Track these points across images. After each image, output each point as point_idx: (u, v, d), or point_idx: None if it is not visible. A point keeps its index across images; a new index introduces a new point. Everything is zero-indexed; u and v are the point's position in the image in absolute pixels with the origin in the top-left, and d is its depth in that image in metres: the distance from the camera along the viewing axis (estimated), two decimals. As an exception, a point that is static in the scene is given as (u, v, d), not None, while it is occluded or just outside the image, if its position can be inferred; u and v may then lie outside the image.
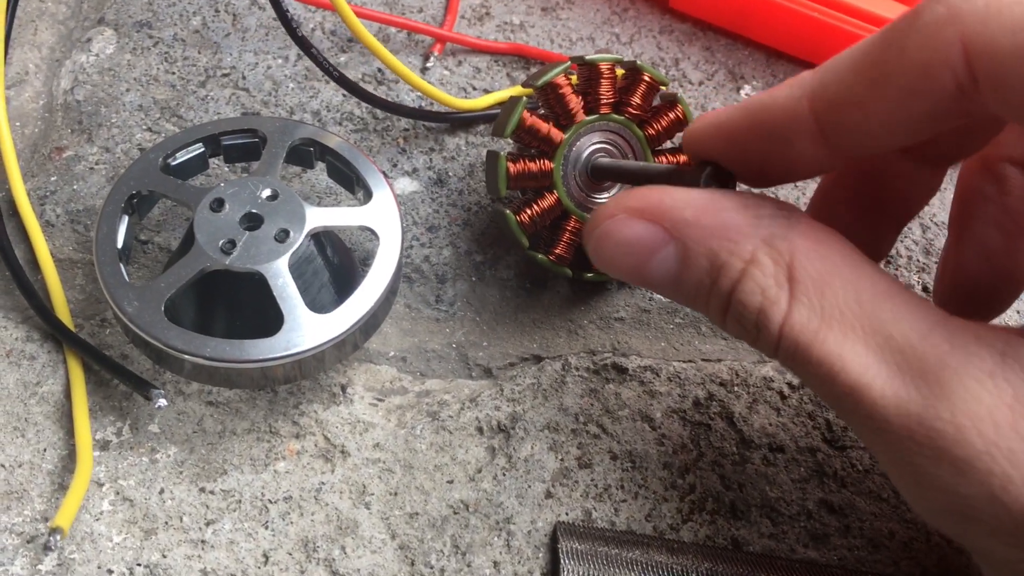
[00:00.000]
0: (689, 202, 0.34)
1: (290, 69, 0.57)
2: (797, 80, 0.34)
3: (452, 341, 0.50)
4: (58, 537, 0.38)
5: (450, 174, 0.54)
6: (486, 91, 0.59)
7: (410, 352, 0.49)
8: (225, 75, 0.57)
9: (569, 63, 0.47)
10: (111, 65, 0.56)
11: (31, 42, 0.56)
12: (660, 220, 0.34)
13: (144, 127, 0.53)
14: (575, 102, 0.47)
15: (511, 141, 0.47)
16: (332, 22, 0.60)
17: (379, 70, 0.58)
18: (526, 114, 0.46)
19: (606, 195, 0.48)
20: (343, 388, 0.46)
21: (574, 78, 0.48)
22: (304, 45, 0.49)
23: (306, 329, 0.41)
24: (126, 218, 0.44)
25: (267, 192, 0.44)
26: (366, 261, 0.51)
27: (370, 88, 0.57)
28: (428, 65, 0.59)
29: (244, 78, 0.57)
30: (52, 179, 0.51)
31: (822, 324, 0.32)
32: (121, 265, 0.42)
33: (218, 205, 0.44)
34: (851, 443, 0.47)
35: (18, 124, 0.53)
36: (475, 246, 0.52)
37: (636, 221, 0.35)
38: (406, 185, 0.54)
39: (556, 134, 0.46)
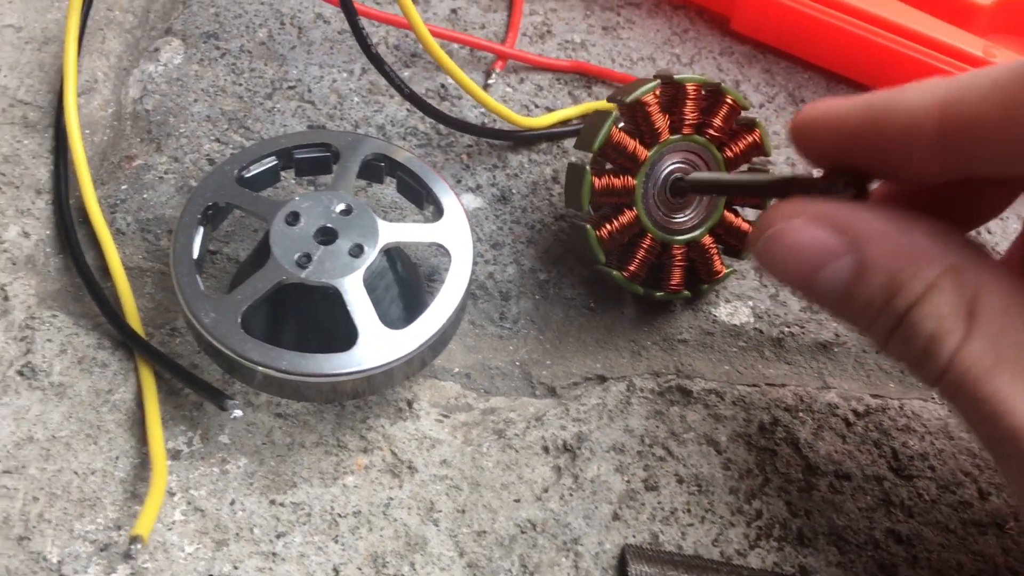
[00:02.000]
0: (875, 217, 0.33)
1: (354, 83, 0.58)
2: (927, 85, 0.33)
3: (516, 359, 0.50)
4: (138, 546, 0.38)
5: (513, 191, 0.55)
6: (548, 109, 0.59)
7: (474, 369, 0.49)
8: (291, 87, 0.57)
9: (657, 82, 0.47)
10: (179, 75, 0.56)
11: (99, 50, 0.56)
12: (843, 230, 0.33)
13: (212, 138, 0.54)
14: (661, 120, 0.47)
15: (590, 155, 0.48)
16: (396, 37, 0.60)
17: (442, 85, 0.58)
18: (614, 129, 0.46)
19: (682, 215, 0.48)
20: (409, 403, 0.46)
21: (657, 93, 0.48)
22: (377, 62, 0.50)
23: (379, 345, 0.41)
24: (201, 229, 0.44)
25: (341, 206, 0.44)
26: (430, 276, 0.51)
27: (433, 103, 0.57)
28: (490, 82, 0.59)
29: (310, 91, 0.57)
30: (123, 187, 0.51)
31: (996, 362, 0.31)
32: (197, 276, 0.42)
33: (293, 219, 0.44)
34: (917, 472, 0.47)
35: (87, 131, 0.53)
36: (539, 264, 0.52)
37: (815, 227, 0.34)
38: (470, 201, 0.54)
39: (641, 151, 0.47)
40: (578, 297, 0.51)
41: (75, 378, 0.44)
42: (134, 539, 0.37)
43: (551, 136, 0.56)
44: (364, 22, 0.57)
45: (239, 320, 0.41)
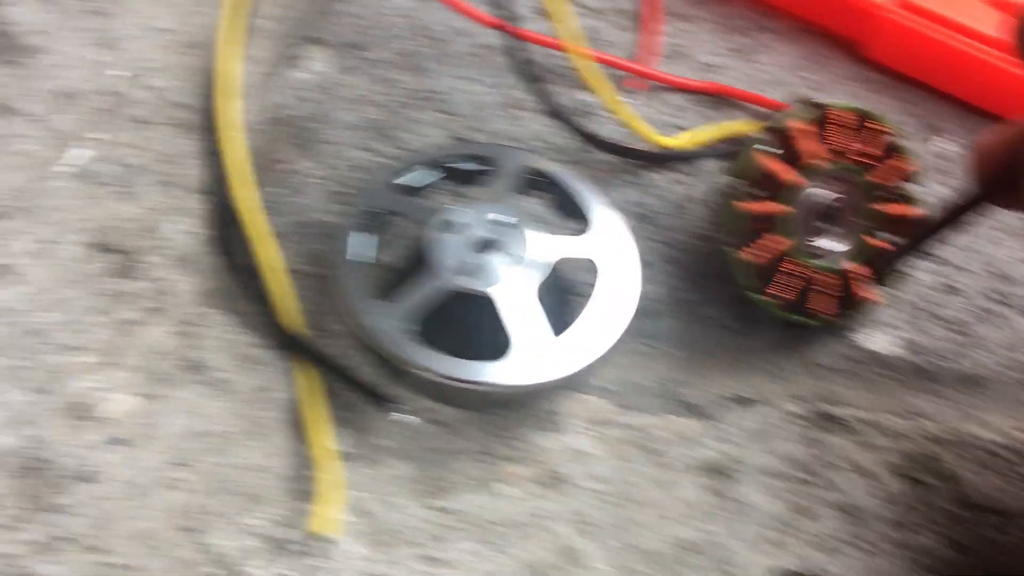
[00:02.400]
0: None
1: (494, 96, 0.58)
2: None
3: (659, 376, 0.50)
4: (315, 543, 0.39)
5: (655, 210, 0.55)
6: (681, 129, 0.59)
7: (618, 384, 0.49)
8: (432, 99, 0.58)
9: (805, 107, 0.47)
10: (325, 83, 0.57)
11: (248, 56, 0.58)
12: None
13: (358, 146, 0.55)
14: (808, 146, 0.47)
15: (738, 179, 0.48)
16: (531, 51, 0.61)
17: (581, 101, 0.59)
18: (763, 155, 0.46)
19: (828, 241, 0.48)
20: (555, 416, 0.47)
21: (807, 119, 0.48)
22: (530, 79, 0.50)
23: (540, 360, 0.42)
24: (361, 234, 0.45)
25: (499, 217, 0.45)
26: (575, 291, 0.52)
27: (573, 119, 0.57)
28: (623, 101, 0.59)
29: (451, 103, 0.58)
30: (277, 191, 0.52)
31: None
32: (359, 280, 0.43)
33: (452, 227, 0.44)
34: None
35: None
36: (683, 283, 0.52)
37: None
38: (611, 218, 0.54)
39: (789, 177, 0.47)
40: (721, 317, 0.51)
41: (237, 375, 0.45)
42: (311, 536, 0.38)
43: (690, 157, 0.57)
44: (494, 36, 0.58)
45: (402, 325, 0.42)
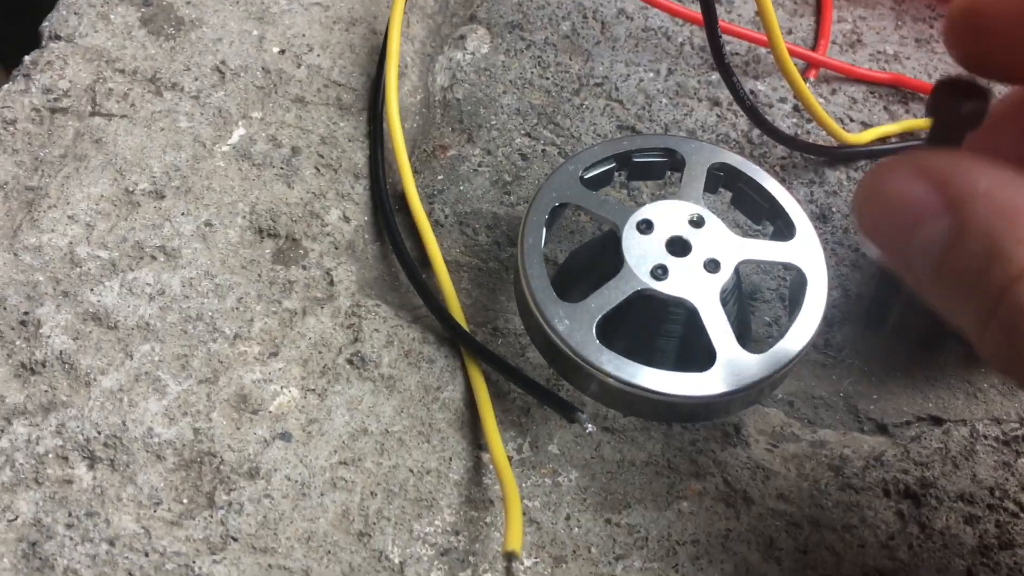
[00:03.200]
0: (983, 172, 0.27)
1: (661, 84, 0.55)
2: None
3: (839, 389, 0.47)
4: (515, 563, 0.37)
5: (833, 210, 0.51)
6: (863, 124, 0.55)
7: (797, 396, 0.46)
8: (598, 84, 0.55)
9: None
10: (486, 65, 0.55)
11: (405, 35, 0.55)
12: (943, 184, 0.27)
13: (523, 132, 0.52)
14: None
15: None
16: (700, 37, 0.58)
17: (752, 92, 0.55)
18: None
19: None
20: (736, 429, 0.44)
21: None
22: (727, 72, 0.47)
23: (735, 369, 0.39)
24: (544, 229, 0.43)
25: (693, 216, 0.42)
26: (752, 296, 0.48)
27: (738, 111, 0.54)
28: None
29: (617, 89, 0.55)
30: (439, 178, 0.50)
31: None
32: (548, 279, 0.41)
33: (646, 227, 0.42)
34: None
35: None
36: (865, 289, 0.49)
37: (915, 179, 0.28)
38: (788, 217, 0.51)
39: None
40: (907, 329, 0.48)
41: (403, 371, 0.43)
42: (510, 555, 0.36)
43: (871, 153, 0.53)
44: (666, 19, 0.55)
45: (593, 329, 0.39)
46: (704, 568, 0.40)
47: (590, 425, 0.39)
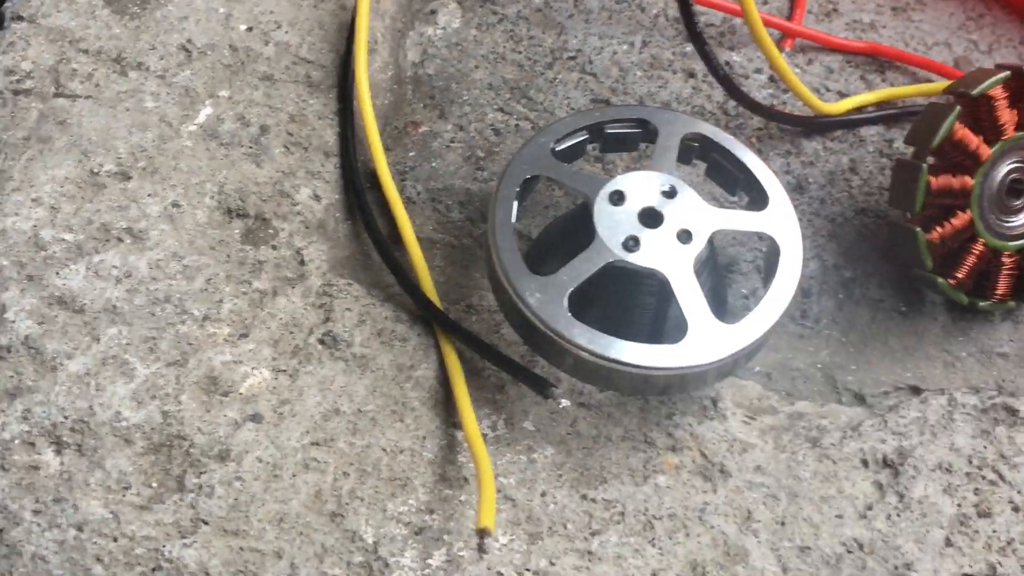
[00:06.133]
0: None
1: (636, 56, 0.55)
2: None
3: (817, 360, 0.46)
4: (490, 540, 0.36)
5: (810, 180, 0.51)
6: (840, 93, 0.55)
7: (775, 368, 0.46)
8: (571, 58, 0.54)
9: (1007, 73, 0.42)
10: (458, 40, 0.54)
11: (375, 10, 0.55)
12: None
13: (495, 107, 0.52)
14: (1007, 116, 0.42)
15: (912, 149, 0.44)
16: (674, 8, 0.57)
17: (727, 63, 0.55)
18: (957, 125, 0.42)
19: (1017, 219, 0.44)
20: (714, 402, 0.43)
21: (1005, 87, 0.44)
22: (700, 43, 0.46)
23: (708, 341, 0.38)
24: (515, 203, 0.42)
25: (665, 187, 0.42)
26: (729, 267, 0.48)
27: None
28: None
29: (591, 62, 0.54)
30: (411, 154, 0.49)
31: None
32: (518, 252, 0.40)
33: (618, 198, 0.41)
34: None
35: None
36: (843, 260, 0.48)
37: None
38: (764, 188, 0.50)
39: (984, 150, 0.42)
40: (886, 299, 0.47)
41: (376, 351, 0.43)
42: (482, 532, 0.35)
43: (848, 123, 0.52)
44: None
45: (565, 302, 0.39)
46: (681, 542, 0.40)
47: (564, 400, 0.39)
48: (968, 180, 0.43)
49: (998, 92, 0.42)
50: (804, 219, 0.49)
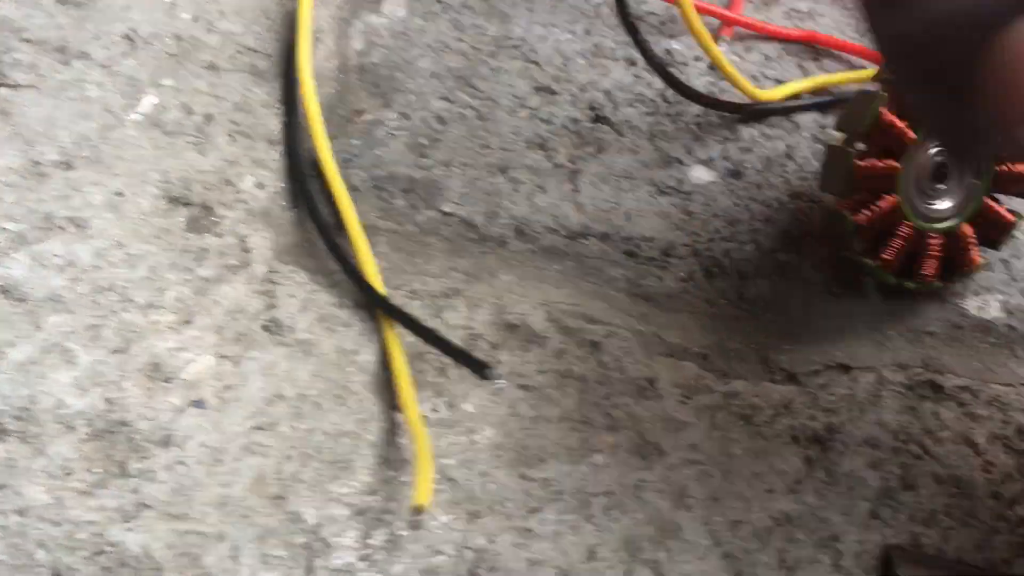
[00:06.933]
0: None
1: (579, 44, 0.56)
2: None
3: (753, 341, 0.48)
4: (421, 516, 0.37)
5: (747, 166, 0.52)
6: (777, 80, 0.56)
7: (711, 349, 0.47)
8: (515, 46, 0.55)
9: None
10: (403, 29, 0.55)
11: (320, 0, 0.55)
12: None
13: (439, 95, 0.52)
14: (930, 102, 0.44)
15: (843, 135, 0.45)
16: (617, -2, 0.58)
17: (667, 51, 0.56)
18: (883, 110, 0.43)
19: (942, 202, 0.46)
20: (651, 382, 0.45)
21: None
22: (632, 30, 0.47)
23: None
24: None
25: None
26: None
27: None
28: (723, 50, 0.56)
29: (534, 51, 0.55)
30: (355, 143, 0.50)
31: None
32: None
33: None
34: None
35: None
36: (778, 244, 0.50)
37: None
38: (702, 174, 0.52)
39: (909, 134, 0.44)
40: (819, 281, 0.49)
41: (319, 336, 0.44)
42: (418, 509, 0.36)
43: (784, 110, 0.54)
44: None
45: None
46: (617, 518, 0.41)
47: (501, 381, 0.40)
48: (895, 164, 0.44)
49: (922, 79, 0.44)
50: (741, 204, 0.50)
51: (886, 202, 0.45)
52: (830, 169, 0.45)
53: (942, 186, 0.46)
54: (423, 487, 0.37)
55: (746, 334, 0.48)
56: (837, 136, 0.45)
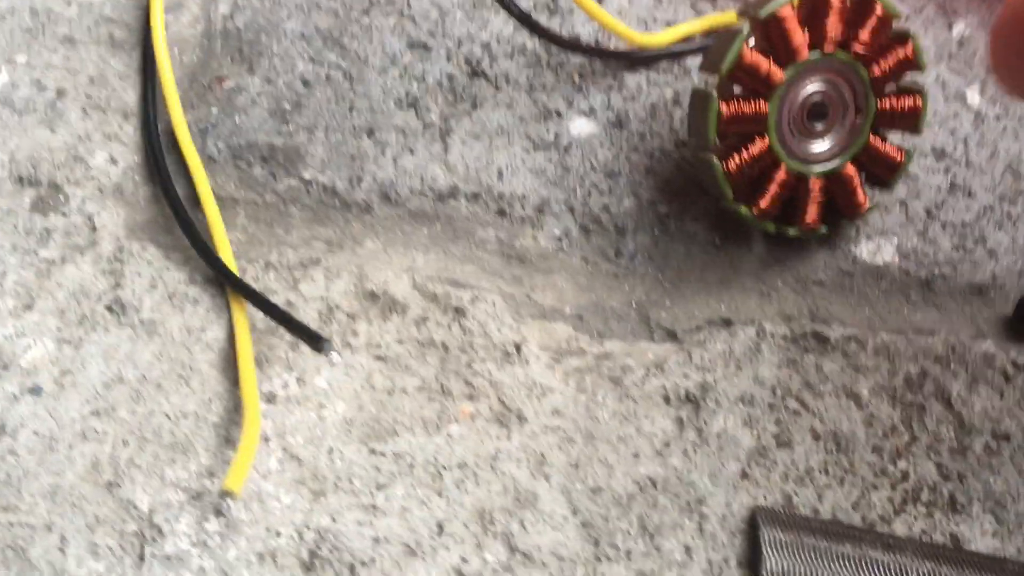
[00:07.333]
0: None
1: (457, -4, 0.53)
2: None
3: (632, 299, 0.46)
4: (229, 502, 0.36)
5: (631, 115, 0.50)
6: (668, 23, 0.53)
7: (587, 310, 0.45)
8: (389, 2, 0.53)
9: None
10: (271, -11, 0.53)
11: (189, -36, 0.53)
12: None
13: (306, 57, 0.50)
14: (799, 38, 0.41)
15: (716, 78, 0.42)
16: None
17: (552, -1, 0.53)
18: (745, 48, 0.41)
19: (821, 142, 0.43)
20: (517, 347, 0.43)
21: (795, 4, 0.43)
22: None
23: None
24: None
25: None
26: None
27: (543, 18, 0.52)
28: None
29: (409, 6, 0.53)
30: (213, 111, 0.48)
31: None
32: None
33: None
34: (1087, 433, 0.41)
35: (176, 51, 0.50)
36: (659, 196, 0.47)
37: None
38: (583, 126, 0.49)
39: (776, 73, 0.41)
40: (701, 232, 0.47)
41: (166, 315, 0.42)
42: (225, 494, 0.35)
43: (672, 55, 0.51)
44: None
45: None
46: (470, 490, 0.39)
47: (335, 354, 0.38)
48: (763, 105, 0.42)
49: (787, 12, 0.41)
50: (623, 155, 0.48)
51: (756, 146, 0.42)
52: (694, 114, 0.43)
53: (820, 125, 0.43)
54: (237, 472, 0.35)
55: (625, 292, 0.46)
56: (705, 79, 0.43)
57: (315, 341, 0.39)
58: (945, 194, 0.47)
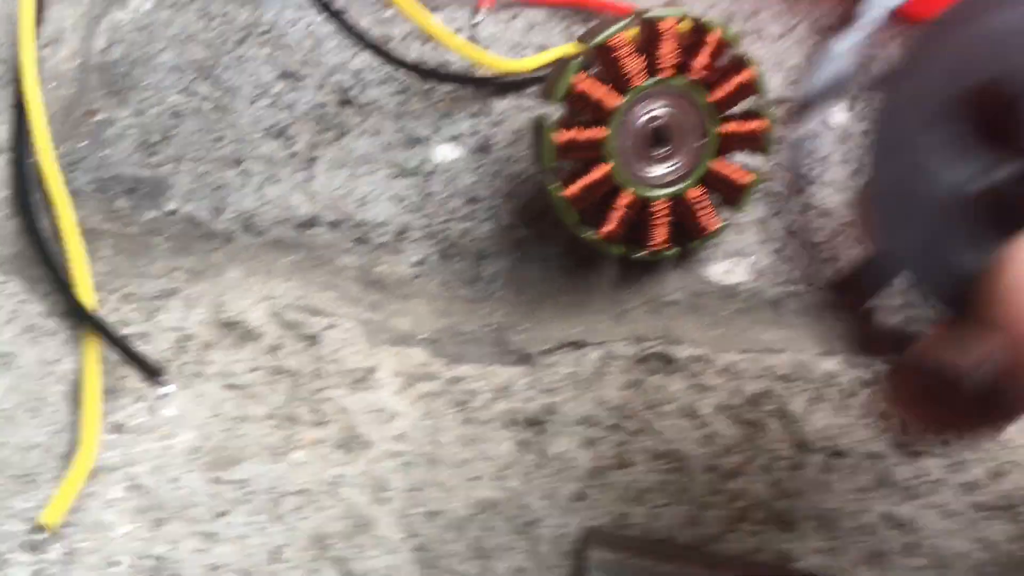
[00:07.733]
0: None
1: (332, 26, 0.54)
2: None
3: (489, 323, 0.47)
4: (44, 535, 0.37)
5: (495, 140, 0.51)
6: (542, 48, 0.54)
7: (444, 334, 0.46)
8: (265, 32, 0.54)
9: (631, 18, 0.42)
10: (148, 22, 0.54)
11: (70, -2, 0.54)
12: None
13: (178, 89, 0.51)
14: (633, 64, 0.42)
15: (552, 104, 0.43)
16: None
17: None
18: (578, 77, 0.42)
19: (664, 167, 0.44)
20: (370, 372, 0.44)
21: (634, 33, 0.44)
22: (333, 12, 0.46)
23: None
24: None
25: None
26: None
27: (416, 45, 0.53)
28: (478, 20, 0.55)
29: (284, 36, 0.54)
30: (82, 144, 0.49)
31: None
32: None
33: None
34: (925, 449, 0.42)
35: (53, 85, 0.51)
36: (518, 219, 0.48)
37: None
38: (447, 152, 0.50)
39: (611, 99, 0.42)
40: (560, 256, 0.48)
41: (21, 347, 0.43)
42: (40, 528, 0.36)
43: (539, 79, 0.52)
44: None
45: None
46: (309, 516, 0.40)
47: (169, 387, 0.39)
48: (600, 131, 0.43)
49: (619, 40, 0.42)
50: (485, 180, 0.49)
51: (597, 172, 0.43)
52: (534, 141, 0.44)
53: (662, 150, 0.44)
54: (56, 507, 0.36)
55: (482, 316, 0.47)
56: (545, 107, 0.44)
57: (150, 372, 0.40)
58: (800, 214, 0.48)
